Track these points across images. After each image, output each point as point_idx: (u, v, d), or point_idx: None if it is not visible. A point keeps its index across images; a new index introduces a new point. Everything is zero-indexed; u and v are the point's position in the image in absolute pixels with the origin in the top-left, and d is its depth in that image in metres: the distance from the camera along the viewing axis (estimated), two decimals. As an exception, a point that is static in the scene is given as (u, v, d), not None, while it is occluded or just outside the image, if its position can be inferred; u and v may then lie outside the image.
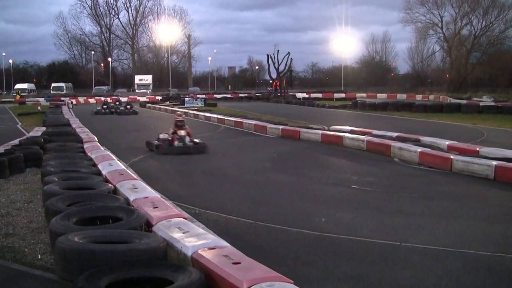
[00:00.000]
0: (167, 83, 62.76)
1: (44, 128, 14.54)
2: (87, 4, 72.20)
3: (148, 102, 37.77)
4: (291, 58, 48.96)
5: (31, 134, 13.23)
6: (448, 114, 24.25)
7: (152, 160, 10.94)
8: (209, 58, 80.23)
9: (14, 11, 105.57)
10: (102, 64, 75.81)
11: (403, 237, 5.24)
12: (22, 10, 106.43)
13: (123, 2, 73.45)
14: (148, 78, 60.71)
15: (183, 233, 4.11)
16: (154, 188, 6.47)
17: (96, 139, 11.77)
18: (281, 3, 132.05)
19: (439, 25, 56.80)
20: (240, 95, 50.53)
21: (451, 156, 9.29)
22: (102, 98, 38.24)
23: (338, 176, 9.16)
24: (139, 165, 10.10)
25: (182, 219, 4.65)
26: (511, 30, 53.94)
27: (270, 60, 49.13)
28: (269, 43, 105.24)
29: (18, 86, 53.21)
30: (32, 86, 58.62)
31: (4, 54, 68.90)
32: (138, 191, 5.77)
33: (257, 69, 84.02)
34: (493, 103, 28.37)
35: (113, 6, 73.47)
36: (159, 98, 43.76)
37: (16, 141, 11.19)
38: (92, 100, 42.92)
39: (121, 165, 7.89)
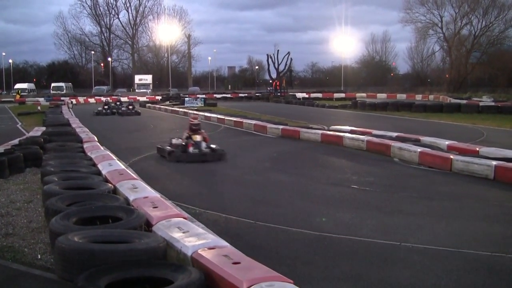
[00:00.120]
0: (167, 83, 62.75)
1: (44, 128, 14.54)
2: (87, 4, 72.25)
3: (148, 102, 37.77)
4: (291, 58, 49.09)
5: (31, 134, 13.23)
6: (448, 114, 24.24)
7: (152, 160, 10.93)
8: (209, 58, 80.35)
9: (14, 11, 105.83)
10: (102, 64, 75.80)
11: (403, 237, 5.24)
12: (22, 10, 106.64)
13: (123, 2, 73.50)
14: (148, 78, 60.71)
15: (183, 233, 4.11)
16: (154, 188, 6.47)
17: (96, 139, 11.77)
18: (281, 3, 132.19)
19: (439, 25, 56.89)
20: (240, 95, 50.53)
21: (451, 156, 9.29)
22: (102, 98, 38.20)
23: (338, 176, 9.16)
24: (139, 165, 10.10)
25: (182, 219, 4.65)
26: (511, 30, 54.06)
27: (270, 60, 49.19)
28: (269, 43, 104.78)
29: (18, 86, 53.25)
30: (32, 86, 58.59)
31: (4, 53, 68.99)
32: (138, 191, 5.76)
33: (257, 69, 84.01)
34: (493, 103, 28.38)
35: (113, 6, 73.56)
36: (159, 98, 43.77)
37: (16, 141, 11.19)
38: (92, 100, 42.90)
39: (121, 165, 7.89)
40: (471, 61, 55.74)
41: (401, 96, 43.22)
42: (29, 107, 33.03)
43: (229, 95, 50.55)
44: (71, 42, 74.43)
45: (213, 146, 10.76)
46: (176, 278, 3.37)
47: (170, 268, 3.54)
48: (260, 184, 8.40)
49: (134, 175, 7.23)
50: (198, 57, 78.51)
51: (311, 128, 15.52)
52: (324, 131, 14.29)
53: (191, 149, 10.42)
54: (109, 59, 72.40)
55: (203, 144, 10.62)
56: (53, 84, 57.84)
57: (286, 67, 49.80)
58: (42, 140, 10.89)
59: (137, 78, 61.19)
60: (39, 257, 4.50)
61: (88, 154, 9.10)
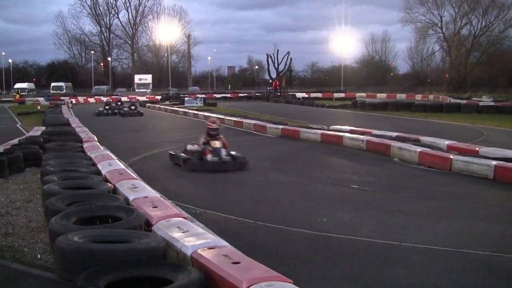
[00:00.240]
0: (166, 83, 62.74)
1: (43, 128, 14.55)
2: (86, 3, 72.22)
3: (148, 102, 37.74)
4: (291, 58, 49.13)
5: (31, 133, 13.23)
6: (448, 114, 24.26)
7: (152, 160, 10.93)
8: (209, 58, 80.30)
9: (14, 10, 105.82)
10: (102, 64, 75.77)
11: (403, 237, 5.24)
12: (22, 9, 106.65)
13: (123, 1, 73.47)
14: (147, 78, 60.78)
15: (183, 232, 4.11)
16: (153, 187, 6.47)
17: (95, 138, 11.77)
18: (281, 3, 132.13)
19: (439, 25, 56.98)
20: (240, 94, 50.56)
21: (451, 156, 9.30)
22: (103, 98, 38.15)
23: (338, 176, 9.16)
24: (139, 164, 10.10)
25: (181, 218, 4.65)
26: (510, 30, 54.17)
27: (269, 59, 49.21)
28: (269, 42, 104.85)
29: (18, 85, 53.29)
30: (31, 85, 58.62)
31: (3, 53, 68.90)
32: (138, 191, 5.76)
33: (256, 68, 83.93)
34: (492, 103, 28.40)
35: (113, 6, 73.55)
36: (158, 97, 43.78)
37: (15, 141, 11.19)
38: (91, 100, 42.89)
39: (121, 165, 7.89)
40: (471, 61, 55.81)
41: (401, 96, 43.24)
42: (28, 107, 33.02)
43: (228, 95, 50.54)
44: (71, 42, 74.53)
45: (233, 153, 9.62)
46: (176, 278, 3.37)
47: (170, 268, 3.54)
48: (260, 184, 8.40)
49: (134, 175, 7.22)
50: (198, 57, 78.63)
51: (311, 128, 15.52)
52: (324, 131, 14.28)
53: (209, 156, 9.34)
54: (109, 58, 72.40)
55: (223, 151, 9.47)
56: (52, 84, 57.84)
57: (286, 67, 49.87)
58: (41, 139, 10.89)
59: (137, 78, 61.26)
60: (38, 256, 4.50)
61: (88, 153, 9.09)
